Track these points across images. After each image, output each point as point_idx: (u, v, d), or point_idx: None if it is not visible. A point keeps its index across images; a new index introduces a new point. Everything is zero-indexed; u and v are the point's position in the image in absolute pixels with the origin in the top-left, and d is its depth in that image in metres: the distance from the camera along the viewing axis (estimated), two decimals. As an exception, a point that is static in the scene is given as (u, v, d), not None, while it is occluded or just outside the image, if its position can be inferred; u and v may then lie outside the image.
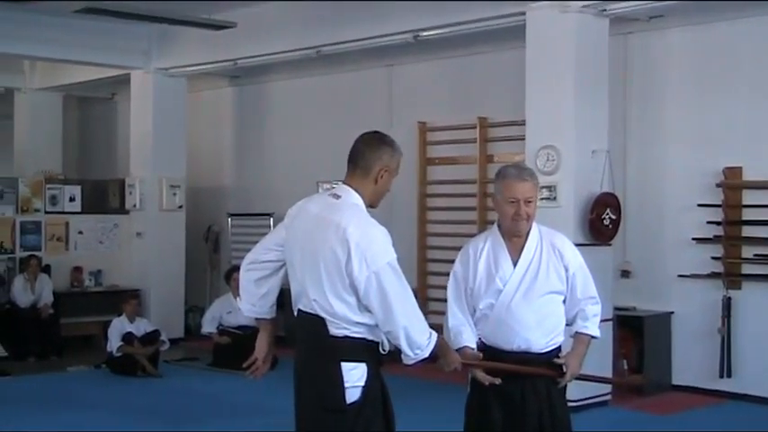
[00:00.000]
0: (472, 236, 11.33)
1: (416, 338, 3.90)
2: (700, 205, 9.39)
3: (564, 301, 4.53)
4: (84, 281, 13.23)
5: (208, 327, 11.41)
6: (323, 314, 3.94)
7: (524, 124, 9.27)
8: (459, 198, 11.26)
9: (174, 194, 13.35)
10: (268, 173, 13.82)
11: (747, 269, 9.31)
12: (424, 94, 11.83)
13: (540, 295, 4.48)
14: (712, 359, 9.30)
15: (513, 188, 4.54)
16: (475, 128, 11.07)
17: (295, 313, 4.16)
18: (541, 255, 4.52)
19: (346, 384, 3.90)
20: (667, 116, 9.83)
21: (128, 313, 11.09)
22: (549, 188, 8.87)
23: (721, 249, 9.36)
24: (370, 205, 4.10)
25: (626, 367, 9.60)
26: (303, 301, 4.06)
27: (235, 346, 10.87)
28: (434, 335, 3.98)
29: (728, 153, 9.30)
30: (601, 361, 8.91)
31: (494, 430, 4.45)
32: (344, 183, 4.10)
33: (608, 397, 8.97)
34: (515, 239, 4.56)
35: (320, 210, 4.04)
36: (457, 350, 4.38)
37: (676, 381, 9.63)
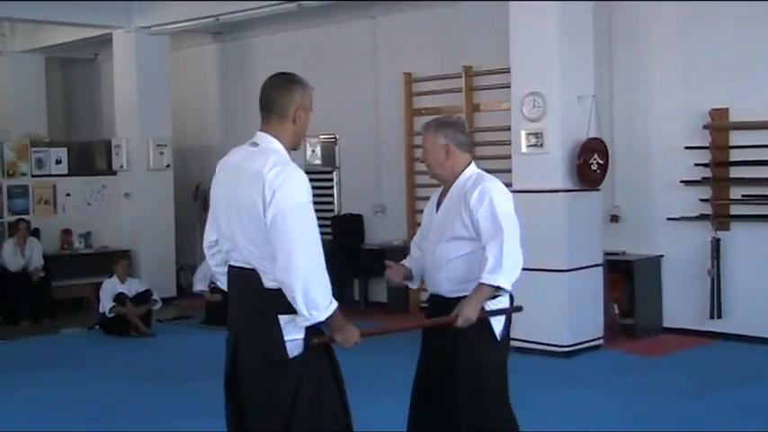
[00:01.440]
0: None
1: (315, 297, 3.67)
2: (687, 148, 9.39)
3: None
4: (73, 243, 13.21)
5: (199, 285, 11.42)
6: (254, 266, 3.80)
7: (510, 72, 9.24)
8: (446, 148, 11.22)
9: (161, 154, 13.31)
10: (254, 129, 13.57)
11: (736, 210, 9.34)
12: (408, 45, 11.76)
13: (445, 240, 4.51)
14: (703, 301, 9.35)
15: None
16: (460, 77, 11.03)
17: (227, 270, 4.06)
18: (455, 201, 4.53)
19: (286, 338, 3.76)
20: (652, 59, 9.80)
21: (119, 274, 11.09)
22: (536, 135, 8.87)
23: (709, 191, 9.38)
24: (293, 147, 4.01)
25: (617, 311, 9.67)
26: (233, 255, 3.93)
27: (227, 304, 10.91)
28: (335, 303, 3.77)
29: (715, 94, 9.28)
30: (593, 306, 9.00)
31: (419, 372, 4.63)
32: (261, 131, 4.00)
33: (600, 341, 9.03)
34: (446, 187, 4.65)
35: (239, 160, 3.94)
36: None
37: (667, 323, 9.69)
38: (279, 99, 3.94)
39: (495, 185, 4.49)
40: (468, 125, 10.90)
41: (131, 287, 11.09)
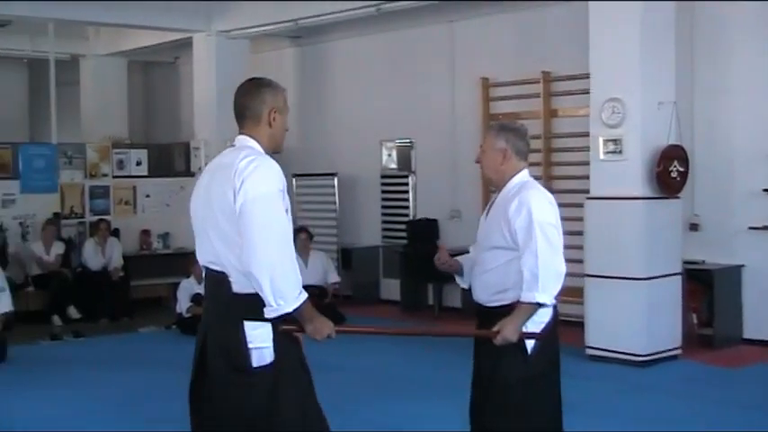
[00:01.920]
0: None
1: (281, 286, 3.62)
2: (770, 156, 9.21)
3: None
4: (152, 243, 13.41)
5: (274, 286, 11.47)
6: (225, 269, 3.76)
7: (589, 77, 9.14)
8: (523, 154, 11.15)
9: (239, 156, 13.41)
10: (331, 132, 13.84)
11: (820, 220, 9.12)
12: (486, 50, 11.72)
13: (486, 249, 4.46)
14: (784, 312, 9.16)
15: None
16: (538, 82, 10.95)
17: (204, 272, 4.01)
18: (499, 210, 4.45)
19: (250, 345, 3.69)
20: (735, 64, 9.61)
21: (196, 275, 11.19)
22: (615, 141, 8.77)
23: (793, 200, 9.18)
24: (275, 150, 3.96)
25: (695, 321, 9.50)
26: (208, 257, 3.89)
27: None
28: (305, 294, 3.71)
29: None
30: (671, 315, 8.85)
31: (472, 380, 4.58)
32: (239, 134, 3.94)
33: (678, 351, 8.88)
34: (496, 194, 4.59)
35: (217, 160, 3.93)
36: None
37: (747, 334, 9.49)
38: (250, 104, 3.90)
39: (535, 194, 4.37)
40: (545, 131, 10.88)
41: (207, 288, 11.18)
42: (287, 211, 3.75)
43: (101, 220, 12.61)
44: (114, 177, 13.35)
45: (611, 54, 8.81)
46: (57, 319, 11.54)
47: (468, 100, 11.69)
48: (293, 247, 3.72)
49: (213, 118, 13.30)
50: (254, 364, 3.69)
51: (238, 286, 3.70)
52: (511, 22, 11.50)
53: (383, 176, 12.97)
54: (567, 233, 11.06)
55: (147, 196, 13.56)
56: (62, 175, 12.91)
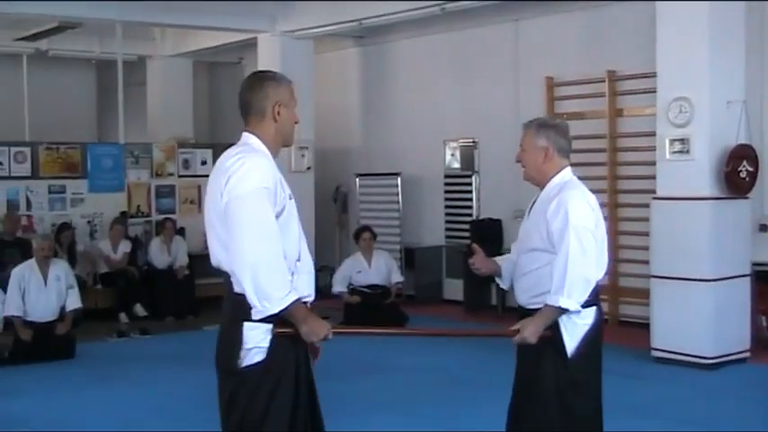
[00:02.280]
0: (602, 192, 11.16)
1: (266, 287, 3.48)
2: (843, 155, 9.01)
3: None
4: (217, 243, 13.50)
5: (338, 286, 11.54)
6: (227, 268, 3.64)
7: (655, 76, 9.03)
8: (587, 154, 11.04)
9: (303, 156, 13.49)
10: (394, 132, 13.84)
11: None
12: (551, 49, 11.63)
13: (525, 251, 4.38)
14: None
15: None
16: (604, 81, 10.84)
17: None
18: (539, 210, 4.35)
19: (246, 345, 3.58)
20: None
21: (259, 273, 11.28)
22: (682, 141, 8.65)
23: None
24: (285, 144, 3.88)
25: (765, 323, 9.34)
26: (215, 259, 3.76)
27: (365, 305, 10.99)
28: (293, 294, 3.55)
29: None
30: (739, 318, 8.70)
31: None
32: (244, 131, 3.85)
33: (747, 354, 8.74)
34: (538, 193, 4.48)
35: (218, 162, 3.78)
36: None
37: (819, 338, 9.31)
38: (253, 99, 3.81)
39: (574, 195, 4.26)
40: (610, 130, 10.76)
41: (272, 287, 11.26)
42: (284, 209, 3.67)
43: (166, 218, 12.75)
44: (180, 177, 13.49)
45: (678, 52, 8.69)
46: (123, 317, 11.69)
47: (532, 99, 11.60)
48: (280, 247, 3.57)
49: (277, 118, 13.35)
50: (242, 364, 3.60)
51: (238, 286, 3.58)
52: (576, 20, 11.40)
53: (446, 176, 12.94)
54: (632, 234, 11.02)
55: (212, 195, 13.66)
56: (129, 174, 13.09)
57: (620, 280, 10.81)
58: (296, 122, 3.90)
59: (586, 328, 4.27)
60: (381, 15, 11.86)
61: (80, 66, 17.35)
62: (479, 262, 4.54)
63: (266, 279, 3.49)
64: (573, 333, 4.25)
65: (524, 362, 4.40)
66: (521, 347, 4.38)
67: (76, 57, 16.33)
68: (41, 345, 9.41)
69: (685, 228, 8.57)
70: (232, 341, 3.61)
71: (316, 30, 12.96)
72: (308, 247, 3.88)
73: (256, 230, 3.52)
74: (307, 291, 3.75)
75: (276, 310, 3.51)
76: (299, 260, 3.75)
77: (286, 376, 3.65)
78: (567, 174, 4.41)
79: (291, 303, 3.53)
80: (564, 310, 4.15)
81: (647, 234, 9.15)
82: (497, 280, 4.66)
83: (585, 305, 4.26)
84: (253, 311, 3.53)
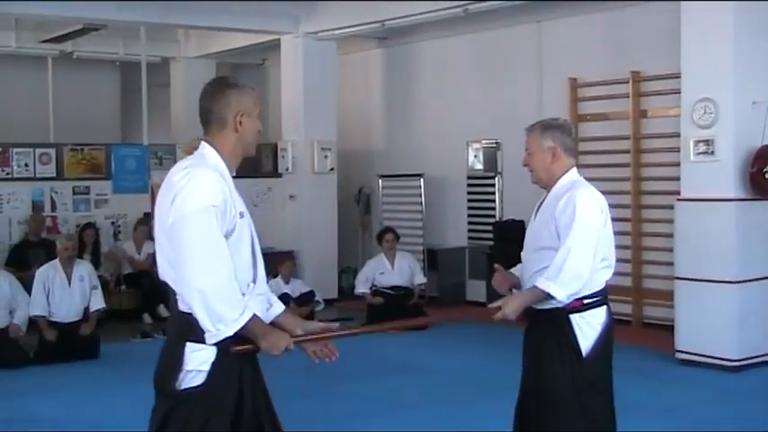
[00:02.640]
0: (625, 194, 11.10)
1: (219, 309, 3.31)
2: None
3: None
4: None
5: (361, 287, 11.55)
6: (174, 287, 3.47)
7: (679, 77, 8.99)
8: (611, 155, 11.02)
9: (326, 157, 13.50)
10: (417, 133, 13.84)
11: None
12: (574, 50, 11.59)
13: (534, 250, 4.39)
14: None
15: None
16: (627, 82, 10.79)
17: None
18: (548, 209, 4.37)
19: (186, 367, 3.42)
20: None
21: (283, 274, 11.32)
22: (707, 142, 8.60)
23: None
24: (245, 154, 3.70)
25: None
26: (161, 272, 3.57)
27: (388, 306, 10.99)
28: (248, 313, 3.38)
29: None
30: (764, 320, 8.64)
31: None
32: (203, 140, 3.65)
33: (773, 356, 8.68)
34: (545, 194, 4.49)
35: (168, 175, 3.56)
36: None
37: None
38: (214, 108, 3.60)
39: (583, 193, 4.29)
40: (634, 132, 10.72)
41: (295, 288, 11.31)
42: (234, 228, 3.48)
43: (190, 220, 12.77)
44: (203, 178, 13.49)
45: (703, 53, 8.64)
46: (147, 318, 11.74)
47: (555, 100, 11.57)
48: (230, 267, 3.38)
49: (300, 119, 13.40)
50: (180, 387, 3.44)
51: (184, 305, 3.42)
52: (599, 21, 11.35)
53: (469, 177, 12.92)
54: (656, 235, 10.96)
55: (235, 196, 13.70)
56: (153, 175, 13.12)
57: (644, 281, 10.77)
58: (259, 131, 3.69)
59: (599, 327, 4.29)
60: (404, 17, 11.87)
61: (104, 67, 17.43)
62: (501, 283, 4.57)
63: (218, 302, 3.32)
64: (587, 333, 4.27)
65: (536, 363, 4.39)
66: (531, 349, 4.42)
67: (101, 58, 16.41)
68: (66, 345, 9.47)
69: (710, 229, 8.52)
70: (172, 362, 3.46)
71: (339, 31, 12.98)
72: (263, 269, 3.68)
73: (203, 252, 3.33)
74: (258, 314, 3.53)
75: (232, 332, 3.36)
76: (253, 282, 3.57)
77: (227, 397, 3.46)
78: (574, 173, 4.44)
79: (247, 322, 3.38)
80: (551, 297, 4.18)
81: (671, 235, 9.11)
82: (515, 292, 4.63)
83: (596, 304, 4.29)
84: (207, 336, 3.36)
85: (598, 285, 4.31)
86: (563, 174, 4.40)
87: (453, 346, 9.76)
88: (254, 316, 3.42)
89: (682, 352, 8.74)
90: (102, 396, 8.00)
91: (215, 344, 3.39)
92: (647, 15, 10.69)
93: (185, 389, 3.44)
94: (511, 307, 4.19)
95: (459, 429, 6.71)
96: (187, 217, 3.36)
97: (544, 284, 4.19)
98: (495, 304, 4.24)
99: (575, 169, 4.45)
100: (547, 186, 4.45)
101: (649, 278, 10.68)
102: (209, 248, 3.35)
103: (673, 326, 8.94)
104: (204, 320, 3.34)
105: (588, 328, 4.26)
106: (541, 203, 4.49)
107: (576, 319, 4.25)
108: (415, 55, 13.98)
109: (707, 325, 8.53)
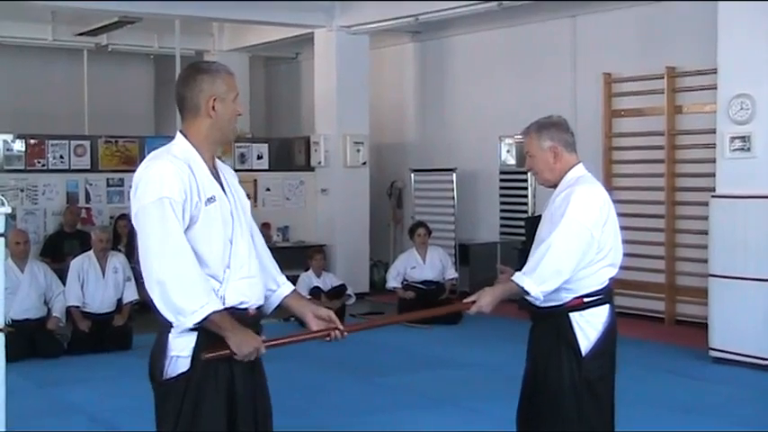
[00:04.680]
0: (660, 190, 11.04)
1: (177, 301, 3.30)
2: None
3: None
4: (272, 236, 13.59)
5: (392, 281, 11.55)
6: None
7: (715, 72, 8.91)
8: (646, 151, 10.95)
9: (358, 151, 13.51)
10: (450, 128, 13.81)
11: None
12: (609, 45, 11.52)
13: (536, 248, 4.30)
14: None
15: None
16: (662, 78, 10.70)
17: None
18: (550, 207, 4.35)
19: (171, 353, 3.44)
20: None
21: (314, 268, 11.34)
22: (743, 138, 8.52)
23: None
24: (223, 140, 3.70)
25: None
26: None
27: (419, 301, 10.98)
28: (211, 306, 3.34)
29: None
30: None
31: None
32: (179, 130, 3.64)
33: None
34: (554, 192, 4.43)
35: None
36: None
37: None
38: (186, 94, 3.56)
39: (581, 190, 4.23)
40: (669, 127, 10.64)
41: (326, 281, 11.32)
42: (198, 216, 3.44)
43: (222, 212, 12.82)
44: (236, 171, 13.40)
45: (740, 48, 8.56)
46: (179, 310, 11.78)
47: (589, 96, 11.51)
48: (189, 259, 3.37)
49: (333, 113, 13.41)
50: (166, 375, 3.47)
51: None
52: (634, 16, 11.28)
53: (502, 172, 12.87)
54: (690, 232, 10.87)
55: (268, 190, 13.76)
56: (186, 168, 13.20)
57: (678, 278, 10.69)
58: (238, 114, 3.65)
59: (600, 327, 4.23)
60: (438, 11, 11.84)
61: (139, 60, 17.55)
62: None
63: (175, 292, 3.31)
64: (587, 333, 4.21)
65: (537, 362, 4.35)
66: (532, 347, 4.38)
67: (135, 51, 16.52)
68: (99, 336, 9.55)
69: (745, 226, 8.44)
70: (158, 350, 3.49)
71: (372, 25, 12.97)
72: (253, 251, 3.67)
73: (159, 244, 3.34)
74: (243, 297, 3.55)
75: (191, 324, 3.34)
76: (228, 267, 3.52)
77: (217, 381, 3.46)
78: (579, 169, 4.39)
79: (210, 314, 3.34)
80: (526, 293, 4.13)
81: (705, 232, 9.03)
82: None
83: (598, 303, 4.24)
84: (173, 326, 3.40)
85: (600, 284, 4.24)
86: (568, 170, 4.36)
87: (485, 342, 9.74)
88: (222, 312, 3.38)
89: (715, 350, 8.67)
90: (133, 386, 8.01)
91: (193, 329, 3.39)
92: (683, 10, 10.60)
93: (172, 377, 3.46)
94: (485, 300, 4.15)
95: (489, 425, 6.68)
96: (144, 209, 3.39)
97: (519, 279, 4.14)
98: (470, 299, 4.20)
99: (581, 165, 4.39)
100: (554, 185, 4.42)
101: (683, 275, 10.61)
102: (164, 241, 3.34)
103: (706, 323, 8.87)
104: (164, 312, 3.35)
105: (589, 327, 4.20)
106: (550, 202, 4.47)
107: (575, 317, 4.20)
108: (449, 49, 13.95)
109: (741, 323, 8.46)
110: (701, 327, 9.19)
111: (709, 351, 8.70)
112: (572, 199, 4.17)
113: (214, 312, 3.35)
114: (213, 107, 3.55)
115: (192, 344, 3.42)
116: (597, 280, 4.22)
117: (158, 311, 3.41)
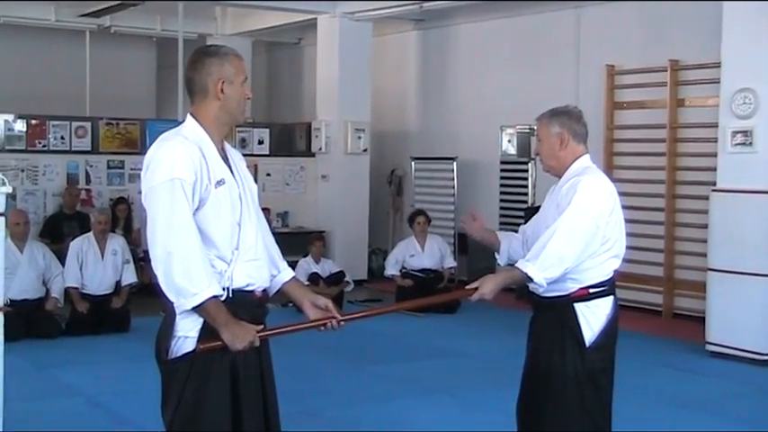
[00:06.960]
0: (660, 183, 11.03)
1: (178, 281, 3.33)
2: None
3: None
4: (271, 222, 13.59)
5: (391, 269, 11.56)
6: None
7: (719, 66, 8.90)
8: (647, 143, 10.95)
9: (359, 138, 13.50)
10: (452, 117, 13.80)
11: None
12: (612, 37, 11.50)
13: (538, 237, 4.28)
14: None
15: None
16: (665, 71, 10.69)
17: None
18: (555, 195, 4.34)
19: (178, 333, 3.47)
20: None
21: (313, 254, 11.35)
22: (745, 133, 8.52)
23: None
24: (232, 122, 3.78)
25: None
26: None
27: (417, 289, 10.99)
28: (211, 291, 3.37)
29: None
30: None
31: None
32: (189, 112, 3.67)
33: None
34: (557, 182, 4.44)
35: None
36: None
37: None
38: (195, 77, 3.59)
39: (589, 180, 4.22)
40: (671, 121, 10.63)
41: (325, 268, 11.33)
42: (208, 198, 3.47)
43: (222, 197, 12.81)
44: (236, 156, 13.53)
45: (744, 43, 8.54)
46: (178, 293, 11.78)
47: (592, 87, 11.50)
48: (195, 240, 3.39)
49: (335, 99, 13.40)
50: (171, 354, 3.49)
51: None
52: (638, 8, 11.25)
53: (502, 162, 12.86)
54: (690, 226, 10.85)
55: (268, 175, 13.75)
56: (187, 151, 13.19)
57: (677, 272, 10.70)
58: (248, 98, 3.69)
59: (604, 318, 4.23)
60: (443, -1, 11.84)
61: (141, 43, 17.51)
62: (471, 226, 4.63)
63: (177, 273, 3.34)
64: (591, 323, 4.21)
65: (539, 353, 4.35)
66: (534, 336, 4.38)
67: (138, 34, 16.48)
68: (97, 317, 9.57)
69: (745, 221, 8.45)
70: (165, 330, 3.52)
71: (376, 12, 12.95)
72: (259, 235, 3.73)
73: (167, 223, 3.37)
74: (250, 280, 3.59)
75: (190, 306, 3.36)
76: (236, 249, 3.55)
77: (222, 362, 3.47)
78: (585, 160, 4.37)
79: (207, 300, 3.36)
80: (529, 279, 4.11)
81: (705, 226, 9.04)
82: (496, 255, 4.66)
83: (603, 294, 4.23)
84: (175, 306, 3.42)
85: (605, 275, 4.23)
86: (573, 160, 4.35)
87: (481, 332, 9.75)
88: (218, 302, 3.40)
89: (713, 344, 8.68)
90: (132, 369, 8.05)
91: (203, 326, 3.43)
92: (687, 3, 10.57)
93: (177, 356, 3.48)
94: (487, 287, 4.12)
95: (484, 415, 6.69)
96: (153, 189, 3.42)
97: (523, 265, 4.12)
98: (472, 285, 4.18)
99: (587, 156, 4.38)
100: (558, 174, 4.40)
101: (682, 269, 10.61)
102: (171, 221, 3.38)
103: (704, 317, 8.88)
104: (167, 291, 3.38)
105: (593, 318, 4.20)
106: (552, 192, 4.45)
107: (580, 308, 4.19)
108: (452, 38, 13.92)
109: (739, 318, 8.47)
110: (699, 321, 9.21)
111: (706, 345, 8.71)
112: (579, 188, 4.16)
113: (212, 299, 3.37)
114: (222, 90, 3.58)
115: (199, 325, 3.44)
116: (603, 271, 4.22)
117: (163, 293, 3.43)
